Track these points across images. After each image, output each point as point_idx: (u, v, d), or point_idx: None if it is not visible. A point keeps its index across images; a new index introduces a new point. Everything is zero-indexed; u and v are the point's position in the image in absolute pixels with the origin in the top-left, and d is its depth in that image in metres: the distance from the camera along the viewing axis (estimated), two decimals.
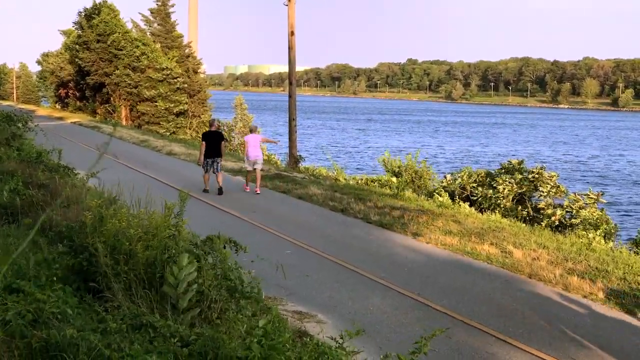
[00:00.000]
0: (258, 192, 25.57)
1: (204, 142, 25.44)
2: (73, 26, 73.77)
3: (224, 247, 9.23)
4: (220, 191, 25.03)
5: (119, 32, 65.14)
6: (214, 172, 25.40)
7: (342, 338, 5.89)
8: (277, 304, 12.05)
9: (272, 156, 51.08)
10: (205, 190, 24.96)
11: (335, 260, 16.04)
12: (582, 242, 18.76)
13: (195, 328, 6.78)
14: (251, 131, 27.54)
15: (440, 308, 12.87)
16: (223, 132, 30.89)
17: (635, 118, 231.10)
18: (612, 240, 22.19)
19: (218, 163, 25.48)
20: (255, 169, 25.84)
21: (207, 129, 26.73)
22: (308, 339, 10.06)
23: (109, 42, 64.83)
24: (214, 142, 25.40)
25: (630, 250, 19.98)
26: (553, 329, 11.98)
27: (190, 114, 66.38)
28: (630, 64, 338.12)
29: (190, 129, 65.10)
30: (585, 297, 13.94)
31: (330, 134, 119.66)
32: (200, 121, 66.44)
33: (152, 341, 6.04)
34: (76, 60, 69.71)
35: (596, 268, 15.81)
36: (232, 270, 8.63)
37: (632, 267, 15.83)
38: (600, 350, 11.01)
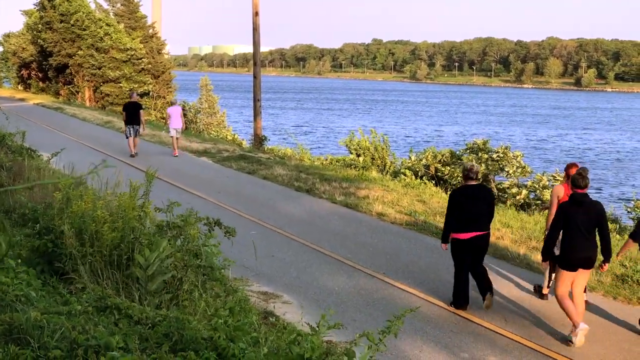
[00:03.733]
0: (176, 154, 29.71)
1: (124, 112, 29.24)
2: (34, 6, 72.87)
3: (211, 230, 9.20)
4: (135, 154, 28.75)
5: (83, 12, 64.45)
6: (133, 137, 28.97)
7: (318, 327, 5.92)
8: (243, 284, 12.07)
9: (236, 136, 51.00)
10: (131, 155, 28.51)
11: (300, 240, 16.09)
12: (545, 221, 18.90)
13: (161, 310, 6.78)
14: (172, 104, 32.11)
15: (404, 287, 12.96)
16: (143, 103, 35.61)
17: (600, 97, 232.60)
18: None
19: (137, 129, 28.95)
20: (177, 137, 29.98)
21: (127, 101, 31.23)
22: (274, 319, 10.13)
23: (72, 22, 64.11)
24: (133, 111, 28.98)
25: None
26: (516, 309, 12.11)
27: (154, 95, 65.94)
28: (592, 43, 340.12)
29: (155, 110, 64.67)
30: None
31: (295, 114, 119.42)
32: (165, 102, 65.95)
33: (117, 323, 6.03)
34: (39, 41, 68.95)
35: None
36: (201, 252, 8.62)
37: None
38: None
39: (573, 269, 10.75)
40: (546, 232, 11.76)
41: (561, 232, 10.86)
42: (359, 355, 5.46)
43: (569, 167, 12.61)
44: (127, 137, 29.19)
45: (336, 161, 33.40)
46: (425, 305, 11.97)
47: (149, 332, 5.78)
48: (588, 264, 10.80)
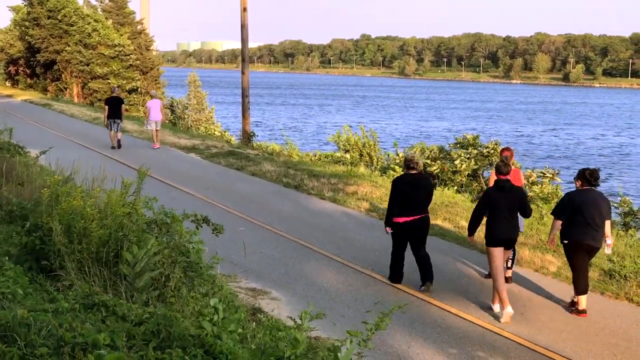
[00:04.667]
0: (157, 147, 30.71)
1: (106, 107, 30.17)
2: (22, 2, 72.57)
3: (199, 227, 9.19)
4: (119, 144, 29.86)
5: (70, 8, 64.19)
6: (116, 130, 29.94)
7: (301, 319, 5.94)
8: (232, 281, 12.09)
9: (225, 133, 50.91)
10: (112, 147, 29.70)
11: (289, 236, 16.10)
12: (533, 216, 18.95)
13: (149, 307, 6.77)
14: (153, 97, 32.66)
15: (395, 284, 12.98)
16: (123, 98, 35.73)
17: (589, 93, 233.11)
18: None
19: (118, 123, 29.99)
20: (157, 129, 30.87)
21: (109, 95, 31.80)
22: (262, 316, 10.13)
23: (59, 18, 63.87)
24: (115, 106, 30.02)
25: None
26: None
27: (143, 91, 65.72)
28: (581, 39, 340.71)
29: (143, 106, 64.44)
30: (536, 270, 14.15)
31: (283, 111, 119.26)
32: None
33: (105, 320, 6.02)
34: (26, 37, 68.66)
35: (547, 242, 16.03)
36: (190, 249, 8.60)
37: None
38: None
39: (497, 245, 11.80)
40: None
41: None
42: (345, 351, 5.47)
43: (502, 151, 13.98)
44: (109, 130, 30.20)
45: (325, 157, 33.39)
46: (413, 301, 12.02)
47: (137, 329, 5.78)
48: (508, 243, 12.04)
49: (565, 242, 12.03)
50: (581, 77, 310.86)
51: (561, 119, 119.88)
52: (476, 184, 25.98)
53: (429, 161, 27.96)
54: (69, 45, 63.87)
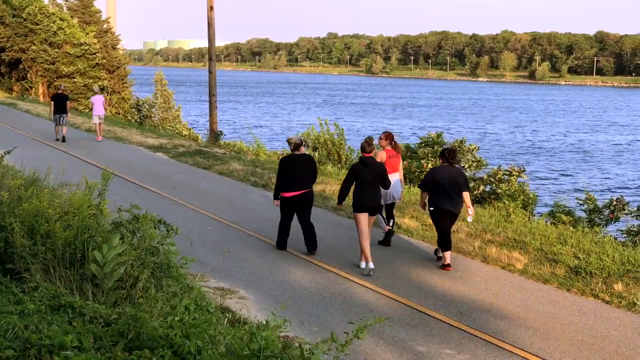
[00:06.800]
0: (100, 139, 32.55)
1: (52, 102, 32.02)
2: None
3: (155, 228, 9.13)
4: (64, 139, 31.55)
5: (35, 6, 63.64)
6: (61, 125, 31.82)
7: (270, 320, 5.94)
8: (200, 280, 12.06)
9: (192, 131, 50.75)
10: (57, 139, 31.72)
11: (256, 235, 16.10)
12: (500, 214, 19.06)
13: (117, 307, 6.74)
14: (96, 93, 34.61)
15: (360, 281, 13.02)
16: (69, 95, 37.37)
17: (555, 90, 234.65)
18: (531, 212, 22.54)
19: (64, 118, 31.81)
20: (100, 122, 32.80)
21: (55, 92, 34.31)
22: (230, 316, 10.12)
23: (24, 16, 63.33)
24: (61, 102, 31.70)
25: (546, 221, 20.36)
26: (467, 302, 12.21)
27: (110, 90, 65.26)
28: (546, 37, 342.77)
29: (110, 105, 64.04)
30: (503, 268, 14.24)
31: (251, 109, 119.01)
32: (121, 97, 65.28)
33: (71, 322, 5.99)
34: None
35: (514, 239, 16.15)
36: (159, 249, 8.56)
37: (548, 238, 16.19)
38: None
39: (362, 211, 13.75)
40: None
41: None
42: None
43: (384, 134, 16.02)
44: (55, 124, 32.19)
45: None
46: (380, 299, 12.05)
47: (104, 330, 5.76)
48: (373, 210, 13.99)
49: (431, 209, 14.13)
50: (547, 75, 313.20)
51: (527, 116, 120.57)
52: None
53: None
54: (34, 44, 63.29)
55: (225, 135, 39.23)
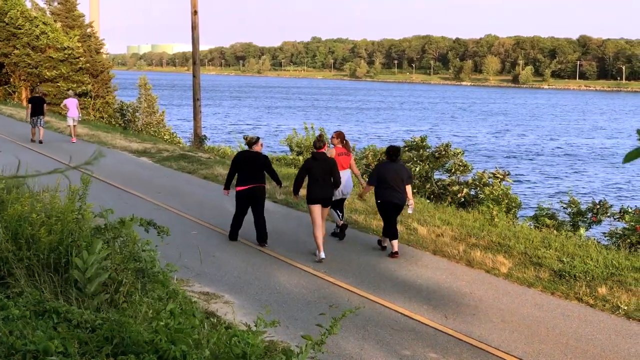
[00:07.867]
0: (74, 141, 33.42)
1: (29, 105, 32.98)
2: None
3: (146, 230, 9.12)
4: (40, 141, 32.23)
5: (17, 10, 63.32)
6: (38, 127, 32.44)
7: (256, 326, 5.93)
8: (185, 285, 12.04)
9: (175, 135, 50.70)
10: (32, 140, 32.63)
11: (241, 240, 16.09)
12: (484, 218, 19.10)
13: (101, 313, 6.72)
14: (70, 96, 35.37)
15: (345, 285, 13.03)
16: (45, 98, 37.26)
17: (539, 95, 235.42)
18: (515, 216, 22.60)
19: (41, 120, 32.49)
20: (74, 125, 33.78)
21: (32, 95, 35.41)
22: (215, 320, 10.10)
23: (6, 20, 63.01)
24: (37, 105, 32.49)
25: (530, 225, 20.41)
26: (458, 304, 12.24)
27: (93, 95, 65.02)
28: (529, 41, 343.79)
29: (94, 109, 63.81)
30: (488, 272, 14.27)
31: (235, 113, 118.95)
32: (105, 102, 65.10)
33: (56, 327, 5.97)
34: None
35: (498, 243, 16.19)
36: (143, 254, 8.54)
37: (532, 242, 16.24)
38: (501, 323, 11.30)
39: (315, 203, 14.75)
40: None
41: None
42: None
43: (335, 133, 17.04)
44: (32, 127, 32.81)
45: (277, 160, 33.36)
46: (366, 303, 12.05)
47: (89, 335, 5.74)
48: (325, 202, 14.99)
49: (378, 201, 15.38)
50: (530, 79, 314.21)
51: (511, 120, 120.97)
52: (429, 185, 26.06)
53: None
54: (16, 49, 62.99)
55: (209, 139, 39.22)
